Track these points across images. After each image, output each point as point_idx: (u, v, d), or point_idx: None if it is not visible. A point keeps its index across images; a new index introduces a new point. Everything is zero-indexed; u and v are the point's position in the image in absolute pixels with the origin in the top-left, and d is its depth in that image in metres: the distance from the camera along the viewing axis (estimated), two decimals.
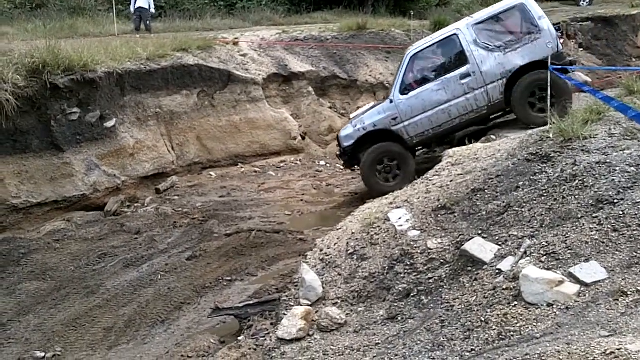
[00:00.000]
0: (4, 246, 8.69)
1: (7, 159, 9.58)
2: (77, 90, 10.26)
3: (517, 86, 9.28)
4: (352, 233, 6.09)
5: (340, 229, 6.48)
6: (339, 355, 4.52)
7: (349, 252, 5.80)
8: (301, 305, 5.22)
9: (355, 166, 10.33)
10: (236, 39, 14.83)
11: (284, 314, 5.27)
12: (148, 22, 16.07)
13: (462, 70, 9.44)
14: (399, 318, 4.69)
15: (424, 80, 9.74)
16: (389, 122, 9.64)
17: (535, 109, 9.21)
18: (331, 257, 5.86)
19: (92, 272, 8.21)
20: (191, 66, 12.40)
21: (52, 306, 7.36)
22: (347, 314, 5.03)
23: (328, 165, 13.20)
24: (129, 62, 11.52)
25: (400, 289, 4.97)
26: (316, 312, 5.08)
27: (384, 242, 5.62)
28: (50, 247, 8.83)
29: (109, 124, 10.82)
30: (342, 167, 12.01)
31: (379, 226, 5.90)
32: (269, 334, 5.40)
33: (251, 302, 6.67)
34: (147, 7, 16.07)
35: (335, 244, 6.09)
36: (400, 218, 5.82)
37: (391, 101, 9.64)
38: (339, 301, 5.24)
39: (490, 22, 9.64)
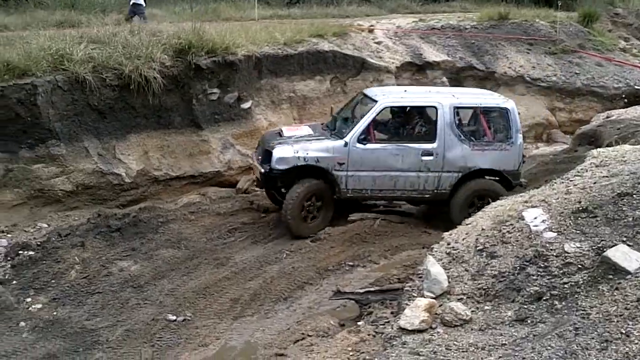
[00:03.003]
0: (145, 214, 9.29)
1: (152, 134, 10.21)
2: (218, 71, 10.68)
3: (463, 186, 8.88)
4: (482, 229, 5.88)
5: (469, 224, 6.28)
6: (462, 351, 4.40)
7: (478, 248, 5.60)
8: (425, 298, 5.11)
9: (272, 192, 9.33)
10: (372, 26, 14.81)
11: (407, 304, 5.17)
12: (141, 18, 14.42)
13: (427, 146, 8.75)
14: (529, 321, 4.49)
15: (384, 138, 9.00)
16: (333, 165, 8.62)
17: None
18: (458, 252, 5.69)
19: (222, 245, 8.62)
20: (326, 52, 12.53)
21: (184, 273, 7.80)
22: (473, 311, 4.88)
23: None
24: (267, 46, 11.84)
25: (531, 291, 4.75)
26: (440, 305, 4.98)
27: (517, 241, 5.36)
28: (185, 218, 9.33)
29: (246, 105, 11.22)
30: None
31: (511, 224, 5.64)
32: (388, 322, 5.39)
33: (372, 289, 6.70)
34: (140, 2, 14.60)
35: (463, 239, 5.91)
36: (535, 218, 5.53)
37: (345, 144, 8.60)
38: (465, 297, 5.09)
39: (472, 112, 9.19)
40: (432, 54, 14.24)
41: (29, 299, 7.21)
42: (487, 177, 8.99)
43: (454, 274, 5.38)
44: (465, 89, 11.38)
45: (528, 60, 14.82)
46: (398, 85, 13.43)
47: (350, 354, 5.13)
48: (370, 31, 14.35)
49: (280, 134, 9.22)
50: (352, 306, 6.60)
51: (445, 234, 6.25)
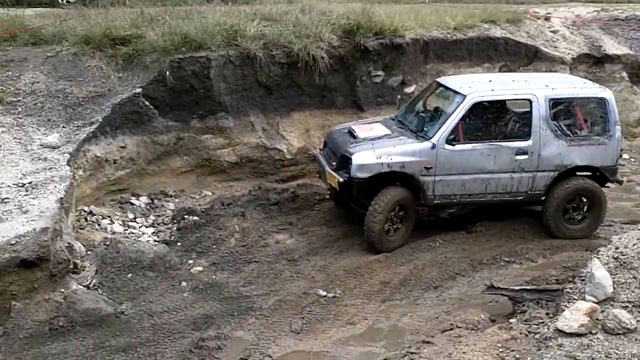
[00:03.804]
0: (303, 190, 9.57)
1: (314, 112, 10.45)
2: (384, 54, 10.66)
3: (559, 185, 8.16)
4: None
5: None
6: None
7: None
8: (586, 301, 4.88)
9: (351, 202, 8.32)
10: (548, 13, 14.05)
11: (566, 306, 5.01)
12: None
13: (521, 144, 7.98)
14: None
15: (474, 137, 8.09)
16: (419, 170, 7.74)
17: (566, 218, 8.29)
18: (627, 258, 5.37)
19: None
20: (497, 39, 12.01)
21: (336, 252, 7.93)
22: (638, 321, 4.64)
23: (632, 159, 11.87)
24: (435, 30, 11.58)
25: None
26: (602, 311, 4.76)
27: None
28: None
29: (409, 89, 11.09)
30: None
31: None
32: (543, 322, 5.25)
33: (528, 288, 6.51)
34: None
35: (634, 245, 5.57)
36: None
37: (433, 146, 7.72)
38: (630, 305, 4.84)
39: (568, 104, 8.16)
40: (613, 47, 13.19)
41: (191, 261, 7.70)
42: (578, 174, 8.31)
43: (621, 280, 5.14)
44: (551, 75, 10.38)
45: None
46: None
47: (500, 350, 5.00)
48: (547, 19, 13.58)
49: (352, 133, 8.34)
50: (505, 303, 6.41)
51: (615, 238, 6.01)
